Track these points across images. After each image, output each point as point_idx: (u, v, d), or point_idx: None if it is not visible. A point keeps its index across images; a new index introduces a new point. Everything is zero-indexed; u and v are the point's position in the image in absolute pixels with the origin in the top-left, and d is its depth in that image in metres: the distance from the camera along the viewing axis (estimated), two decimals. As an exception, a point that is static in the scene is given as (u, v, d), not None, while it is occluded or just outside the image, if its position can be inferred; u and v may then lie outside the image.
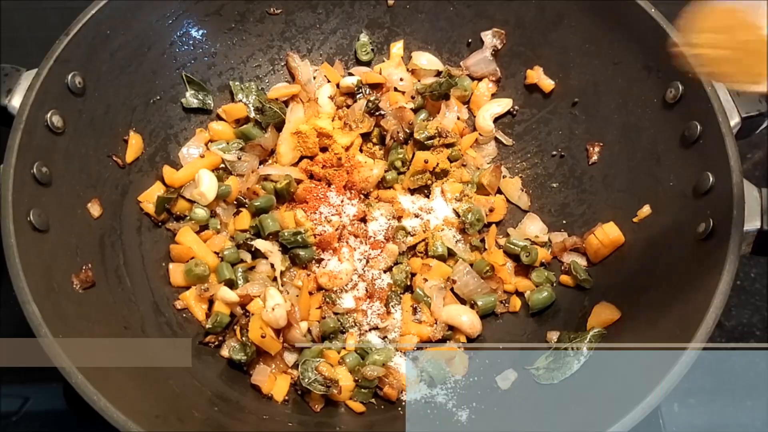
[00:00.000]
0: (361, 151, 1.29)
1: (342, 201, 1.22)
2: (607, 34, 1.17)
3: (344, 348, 1.11)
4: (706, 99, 1.00)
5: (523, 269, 1.21)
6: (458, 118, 1.32)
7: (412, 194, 1.27)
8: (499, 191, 1.29)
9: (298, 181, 1.24)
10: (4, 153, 0.95)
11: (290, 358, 1.10)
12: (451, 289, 1.18)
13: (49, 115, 1.01)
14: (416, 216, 1.24)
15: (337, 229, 1.18)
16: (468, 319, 1.13)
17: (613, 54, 1.17)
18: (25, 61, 1.06)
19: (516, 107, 1.33)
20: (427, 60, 1.35)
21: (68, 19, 1.07)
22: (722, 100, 1.01)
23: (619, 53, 1.17)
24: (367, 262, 1.19)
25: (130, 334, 1.02)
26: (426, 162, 1.23)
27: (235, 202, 1.23)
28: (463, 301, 1.18)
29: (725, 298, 0.89)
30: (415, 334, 1.13)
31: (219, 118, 1.31)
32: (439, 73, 1.35)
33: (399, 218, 1.23)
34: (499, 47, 1.31)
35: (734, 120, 1.01)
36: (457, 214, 1.24)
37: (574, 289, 1.16)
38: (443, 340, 1.14)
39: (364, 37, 1.37)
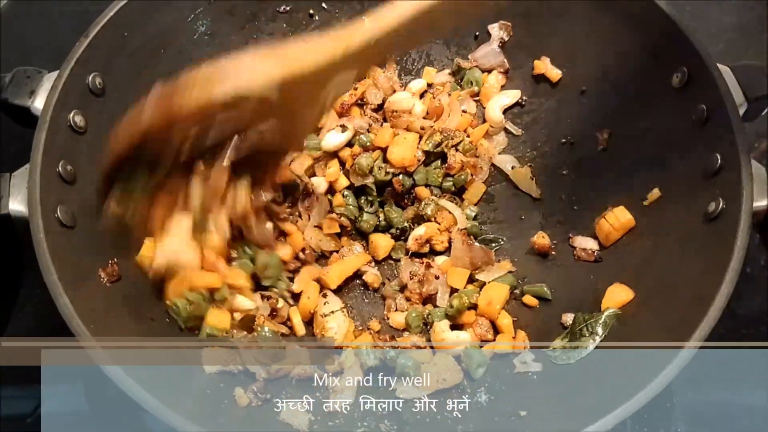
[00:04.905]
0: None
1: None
2: (612, 22, 1.19)
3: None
4: (713, 82, 1.02)
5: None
6: (464, 111, 1.32)
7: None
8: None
9: None
10: (30, 153, 0.97)
11: None
12: None
13: (71, 115, 1.03)
14: None
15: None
16: None
17: (619, 42, 1.19)
18: (38, 65, 1.08)
19: (524, 98, 1.35)
20: None
21: (79, 23, 1.10)
22: (728, 83, 1.03)
23: (624, 41, 1.18)
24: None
25: (157, 326, 1.05)
26: None
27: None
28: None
29: (737, 275, 0.91)
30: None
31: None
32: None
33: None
34: (506, 39, 1.33)
35: (740, 102, 1.03)
36: None
37: (585, 273, 1.18)
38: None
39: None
